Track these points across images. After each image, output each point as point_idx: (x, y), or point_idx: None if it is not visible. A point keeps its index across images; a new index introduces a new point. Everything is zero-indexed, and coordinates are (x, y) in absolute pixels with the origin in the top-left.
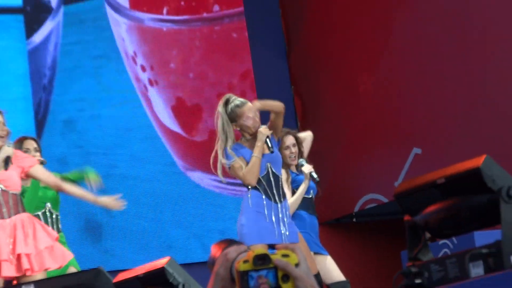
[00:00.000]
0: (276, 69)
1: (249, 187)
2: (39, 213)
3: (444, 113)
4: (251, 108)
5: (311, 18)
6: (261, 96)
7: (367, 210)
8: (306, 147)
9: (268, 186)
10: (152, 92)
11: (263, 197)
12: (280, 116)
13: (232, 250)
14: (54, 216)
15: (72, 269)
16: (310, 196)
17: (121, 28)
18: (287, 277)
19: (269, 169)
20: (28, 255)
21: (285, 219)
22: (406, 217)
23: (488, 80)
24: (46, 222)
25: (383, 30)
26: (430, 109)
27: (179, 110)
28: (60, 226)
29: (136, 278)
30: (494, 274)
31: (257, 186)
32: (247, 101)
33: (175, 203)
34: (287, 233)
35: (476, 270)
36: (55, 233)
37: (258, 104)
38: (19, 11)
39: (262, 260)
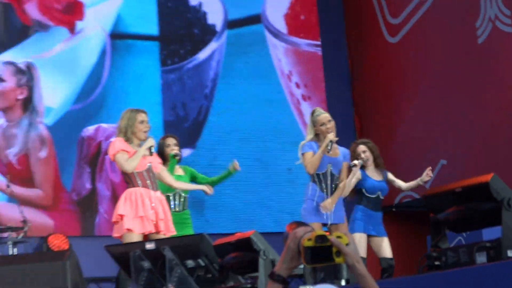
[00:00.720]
0: (343, 95)
1: (311, 179)
2: (171, 194)
3: (465, 135)
4: (326, 117)
5: (369, 60)
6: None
7: (404, 203)
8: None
9: (324, 181)
10: (305, 106)
11: (318, 189)
12: None
13: (300, 230)
14: (183, 198)
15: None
16: (376, 196)
17: (278, 50)
18: (339, 253)
19: (329, 169)
20: (166, 220)
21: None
22: (431, 214)
23: (498, 111)
24: (176, 202)
25: (418, 74)
26: (455, 131)
27: None
28: (187, 204)
29: (229, 243)
30: (495, 263)
31: (316, 180)
32: (325, 112)
33: (258, 189)
34: (333, 216)
35: (481, 258)
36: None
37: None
38: (156, 39)
39: (321, 239)
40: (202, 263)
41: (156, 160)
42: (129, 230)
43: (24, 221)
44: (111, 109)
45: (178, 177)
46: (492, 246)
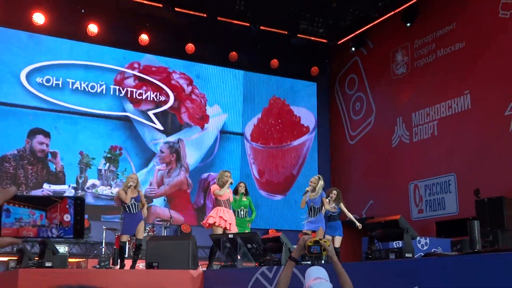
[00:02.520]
0: (326, 168)
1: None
2: (238, 209)
3: (383, 190)
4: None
5: (339, 151)
6: (320, 173)
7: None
8: None
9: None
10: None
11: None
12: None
13: (306, 236)
14: (243, 211)
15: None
16: (329, 215)
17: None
18: (324, 249)
19: (311, 205)
20: (231, 224)
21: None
22: (368, 232)
23: (397, 183)
24: (241, 212)
25: (362, 159)
26: (377, 187)
27: None
28: (246, 214)
29: (268, 238)
30: (399, 260)
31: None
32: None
33: None
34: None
35: (392, 256)
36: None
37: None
38: (241, 134)
39: (316, 242)
40: (255, 246)
41: (231, 194)
42: (213, 224)
43: (170, 217)
44: (218, 166)
45: (242, 201)
46: (398, 250)
